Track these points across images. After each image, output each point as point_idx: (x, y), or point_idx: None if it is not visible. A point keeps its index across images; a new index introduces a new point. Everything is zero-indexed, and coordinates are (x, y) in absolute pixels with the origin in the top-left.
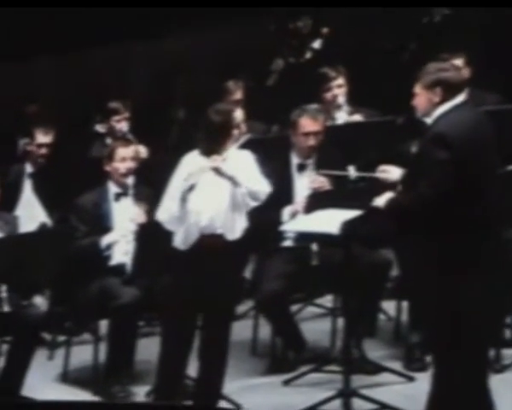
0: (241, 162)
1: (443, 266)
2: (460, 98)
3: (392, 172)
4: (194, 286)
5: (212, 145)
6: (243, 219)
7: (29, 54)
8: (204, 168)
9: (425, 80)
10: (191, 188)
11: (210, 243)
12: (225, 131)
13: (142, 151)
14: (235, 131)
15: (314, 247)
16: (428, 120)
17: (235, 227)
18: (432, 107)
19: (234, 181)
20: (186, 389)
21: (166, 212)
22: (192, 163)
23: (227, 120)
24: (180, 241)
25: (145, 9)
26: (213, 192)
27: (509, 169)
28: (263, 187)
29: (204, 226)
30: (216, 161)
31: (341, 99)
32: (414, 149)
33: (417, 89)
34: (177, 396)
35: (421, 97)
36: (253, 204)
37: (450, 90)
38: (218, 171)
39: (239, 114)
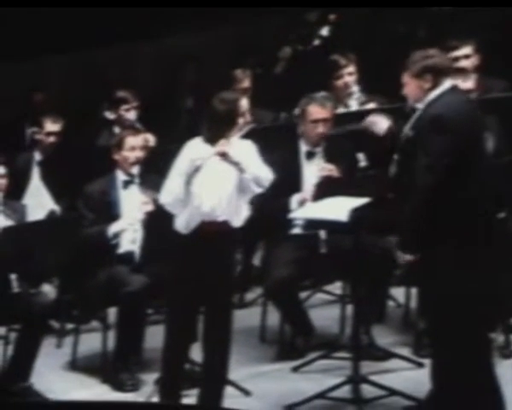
0: (244, 150)
1: (441, 252)
2: (449, 83)
3: (380, 124)
4: (195, 271)
5: (216, 133)
6: (247, 207)
7: (36, 53)
8: (211, 152)
9: (413, 69)
10: (196, 170)
11: (211, 229)
12: (230, 119)
13: (151, 140)
14: (240, 120)
15: (322, 234)
16: (420, 106)
17: (240, 214)
18: (423, 93)
19: (239, 167)
20: (193, 375)
21: (170, 194)
22: (195, 150)
23: (232, 108)
24: (182, 224)
25: (150, 8)
26: (218, 177)
27: None
28: (266, 173)
29: (206, 211)
30: (223, 145)
31: (353, 87)
32: (406, 131)
33: (406, 78)
34: (180, 382)
35: (411, 85)
36: (258, 191)
37: (439, 75)
38: (224, 156)
39: (244, 103)
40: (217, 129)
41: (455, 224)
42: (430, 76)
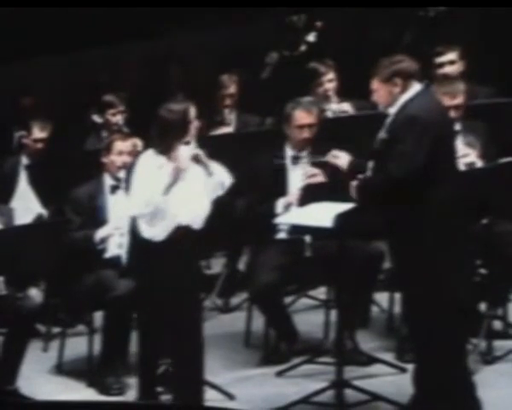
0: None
1: (417, 254)
2: (418, 86)
3: (342, 158)
4: (166, 276)
5: (169, 144)
6: (208, 208)
7: (25, 55)
8: (186, 160)
9: (382, 74)
10: (178, 179)
11: (179, 235)
12: (181, 129)
13: (139, 144)
14: (191, 128)
15: (307, 239)
16: (392, 110)
17: (202, 216)
18: (393, 97)
19: (208, 170)
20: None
21: (148, 205)
22: (150, 163)
23: (182, 118)
24: (156, 233)
25: (141, 10)
26: (190, 183)
27: (503, 161)
28: (228, 176)
29: (184, 219)
30: (197, 150)
31: (331, 93)
32: (381, 136)
33: (375, 84)
34: (156, 386)
35: (380, 91)
36: (220, 193)
37: (407, 78)
38: (197, 158)
39: (193, 111)
40: (168, 139)
41: (429, 225)
42: (400, 80)
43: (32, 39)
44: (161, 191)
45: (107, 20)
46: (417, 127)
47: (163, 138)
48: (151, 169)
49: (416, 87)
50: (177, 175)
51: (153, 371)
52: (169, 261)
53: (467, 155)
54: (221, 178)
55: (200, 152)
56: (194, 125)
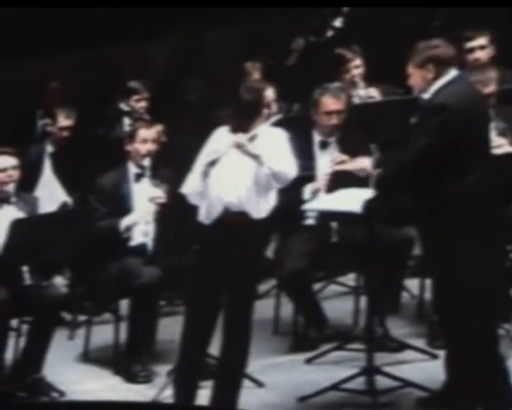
0: (270, 141)
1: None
2: (453, 72)
3: (364, 163)
4: (214, 262)
5: (242, 123)
6: (269, 199)
7: (50, 50)
8: (228, 145)
9: (416, 60)
10: (213, 163)
11: (232, 220)
12: (255, 109)
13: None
14: (266, 110)
15: (334, 225)
16: (426, 96)
17: (260, 206)
18: (427, 83)
19: (258, 160)
20: (208, 368)
21: (189, 186)
22: (220, 140)
23: (258, 98)
24: (203, 215)
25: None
26: (236, 169)
27: None
28: (288, 169)
29: (226, 202)
30: (241, 138)
31: (358, 79)
32: (412, 120)
33: (410, 69)
34: (197, 375)
35: (415, 76)
36: (277, 186)
37: (441, 65)
38: (241, 148)
39: (269, 93)
40: (242, 118)
41: (458, 212)
42: (433, 66)
43: (57, 35)
44: (201, 174)
45: (132, 18)
46: (443, 115)
47: (235, 116)
48: (210, 148)
49: (451, 74)
50: (211, 159)
51: (196, 359)
52: (216, 245)
53: (500, 145)
54: (275, 170)
55: (243, 142)
56: (271, 108)
